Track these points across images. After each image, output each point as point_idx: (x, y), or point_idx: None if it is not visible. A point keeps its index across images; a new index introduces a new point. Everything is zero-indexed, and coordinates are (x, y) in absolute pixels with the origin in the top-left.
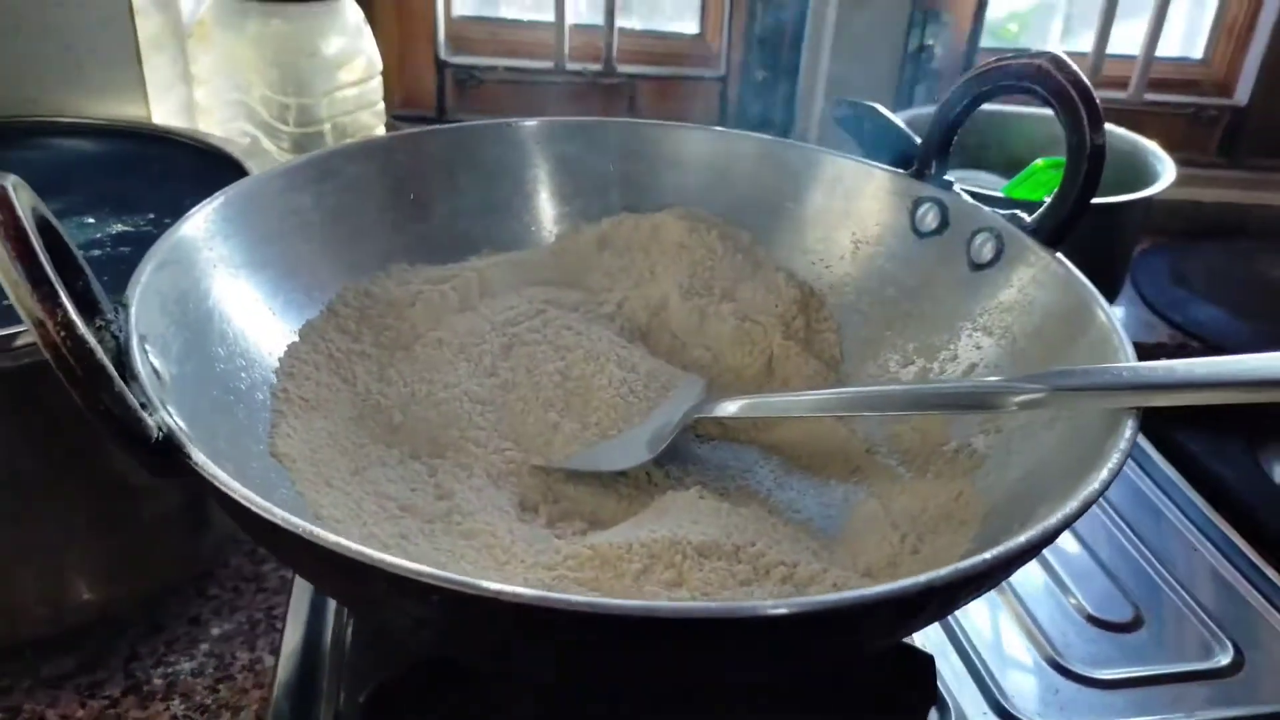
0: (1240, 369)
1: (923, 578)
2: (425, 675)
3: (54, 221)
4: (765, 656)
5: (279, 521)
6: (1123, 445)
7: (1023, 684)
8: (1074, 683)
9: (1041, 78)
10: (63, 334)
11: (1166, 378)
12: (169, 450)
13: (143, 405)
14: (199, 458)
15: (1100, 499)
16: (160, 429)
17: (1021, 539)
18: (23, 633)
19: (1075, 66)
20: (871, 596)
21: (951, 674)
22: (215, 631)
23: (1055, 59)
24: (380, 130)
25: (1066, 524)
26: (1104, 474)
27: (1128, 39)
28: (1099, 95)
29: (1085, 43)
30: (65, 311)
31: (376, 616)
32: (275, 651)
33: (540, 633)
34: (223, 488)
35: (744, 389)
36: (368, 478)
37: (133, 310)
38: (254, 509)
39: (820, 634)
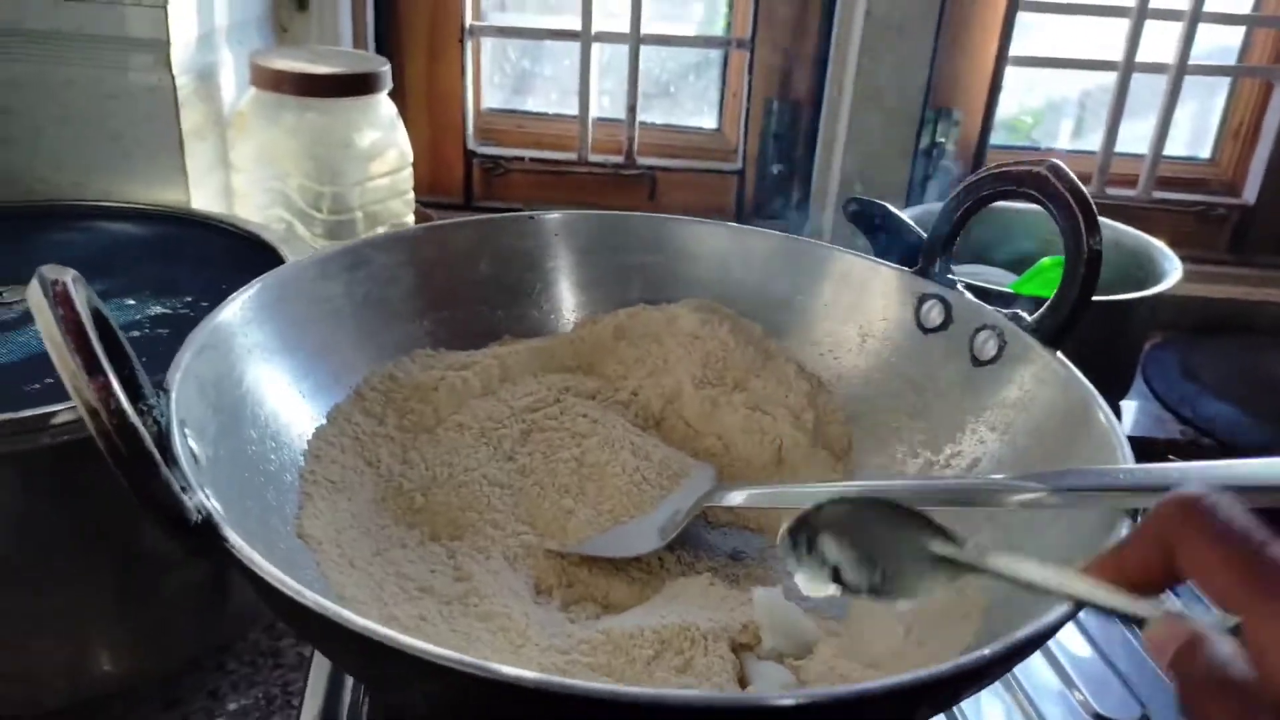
0: (1234, 473)
1: (923, 672)
2: None
3: (106, 312)
4: None
5: (310, 605)
6: None
7: None
8: None
9: (1040, 184)
10: (115, 422)
11: (1161, 481)
12: (207, 532)
13: (183, 489)
14: (235, 541)
15: None
16: (199, 512)
17: (1019, 635)
18: (40, 703)
19: (1073, 174)
20: (874, 690)
21: None
22: (232, 706)
23: (1054, 166)
24: (409, 217)
25: (1062, 622)
26: None
27: (1137, 138)
28: (1109, 193)
29: (1098, 138)
30: (118, 401)
31: (395, 695)
32: None
33: (551, 716)
34: (258, 571)
35: (754, 477)
36: (389, 559)
37: (173, 395)
38: (287, 592)
39: None
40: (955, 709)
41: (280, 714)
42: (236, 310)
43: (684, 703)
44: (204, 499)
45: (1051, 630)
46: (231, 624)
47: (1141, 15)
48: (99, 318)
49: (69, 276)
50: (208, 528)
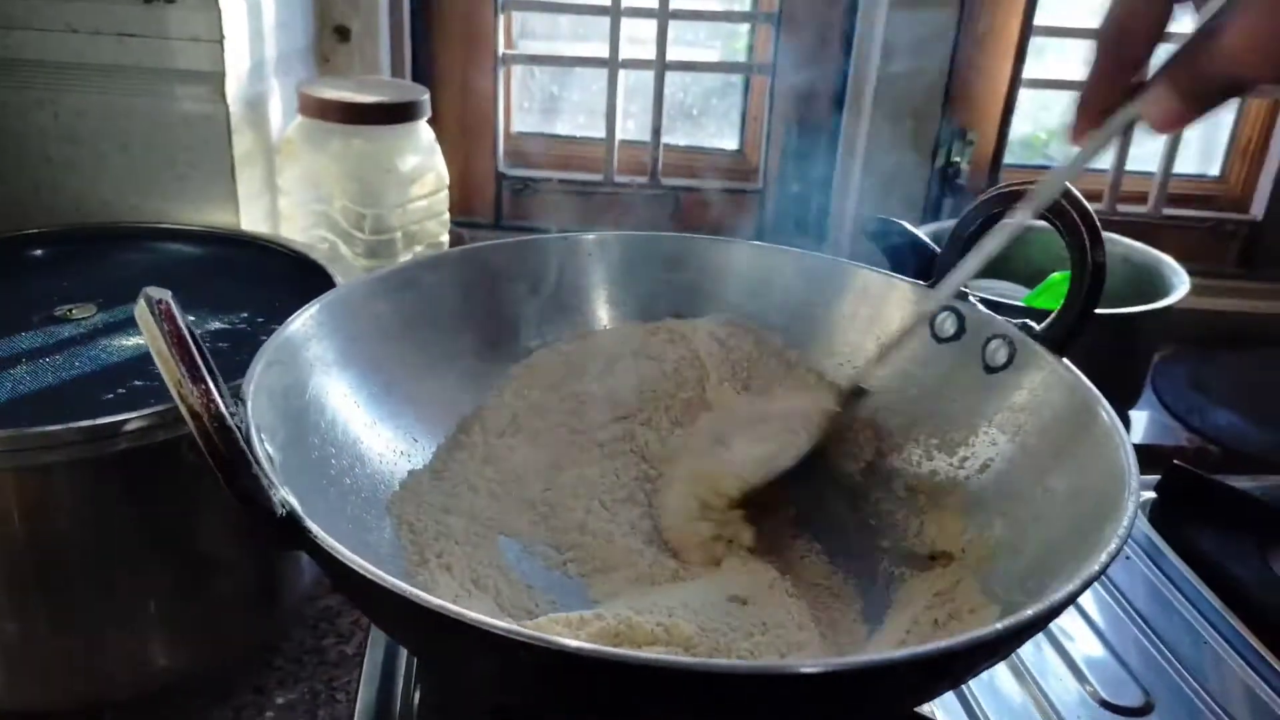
0: None
1: (943, 643)
2: None
3: (193, 329)
4: (805, 713)
5: (389, 586)
6: (1120, 531)
7: None
8: None
9: None
10: (215, 425)
11: None
12: (290, 525)
13: (268, 486)
14: (317, 531)
15: (1116, 592)
16: (283, 506)
17: (1029, 612)
18: (106, 694)
19: (1077, 192)
20: (898, 659)
21: None
22: (280, 700)
23: None
24: (444, 236)
25: (1070, 599)
26: (1103, 557)
27: (1147, 156)
28: (1120, 210)
29: (1109, 156)
30: (218, 405)
31: (461, 672)
32: None
33: (608, 686)
34: (339, 558)
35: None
36: None
37: (249, 404)
38: (365, 574)
39: (853, 692)
40: (973, 699)
41: (325, 708)
42: (300, 326)
43: (729, 671)
44: (286, 495)
45: (1059, 608)
46: (278, 624)
47: None
48: (190, 333)
49: (169, 295)
50: (291, 520)
